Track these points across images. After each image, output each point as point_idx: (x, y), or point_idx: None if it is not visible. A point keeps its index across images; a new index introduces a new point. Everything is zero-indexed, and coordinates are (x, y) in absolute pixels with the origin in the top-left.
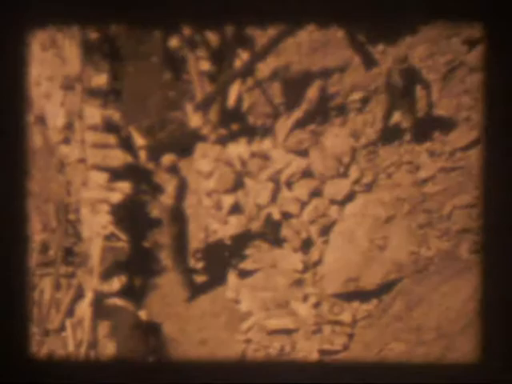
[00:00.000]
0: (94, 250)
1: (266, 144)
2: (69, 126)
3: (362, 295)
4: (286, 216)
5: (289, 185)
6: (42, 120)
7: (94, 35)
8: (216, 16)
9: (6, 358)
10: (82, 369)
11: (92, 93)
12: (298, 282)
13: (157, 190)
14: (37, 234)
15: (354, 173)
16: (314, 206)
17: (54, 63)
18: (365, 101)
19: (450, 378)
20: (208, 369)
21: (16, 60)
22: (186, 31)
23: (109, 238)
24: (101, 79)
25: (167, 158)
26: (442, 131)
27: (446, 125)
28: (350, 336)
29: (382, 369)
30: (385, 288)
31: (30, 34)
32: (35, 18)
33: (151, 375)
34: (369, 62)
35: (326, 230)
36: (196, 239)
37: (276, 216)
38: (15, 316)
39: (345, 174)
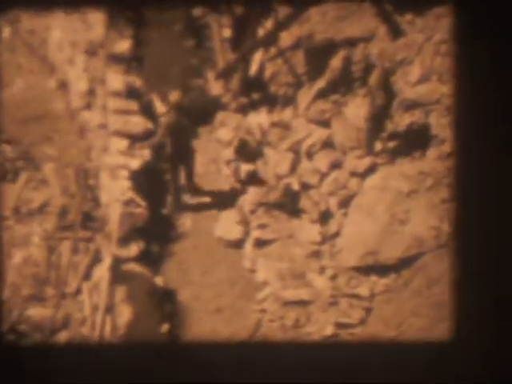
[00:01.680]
0: (113, 215)
1: (286, 114)
2: (91, 92)
3: (381, 269)
4: (306, 187)
5: (309, 155)
6: (64, 85)
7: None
8: None
9: None
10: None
11: (115, 59)
12: (315, 254)
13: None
14: (56, 198)
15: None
16: (333, 178)
17: (77, 28)
18: (390, 71)
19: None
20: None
21: None
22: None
23: (127, 203)
24: (124, 45)
25: (174, 95)
26: None
27: None
28: (368, 310)
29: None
30: (404, 263)
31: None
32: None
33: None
34: (395, 32)
35: (345, 203)
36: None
37: (295, 187)
38: None
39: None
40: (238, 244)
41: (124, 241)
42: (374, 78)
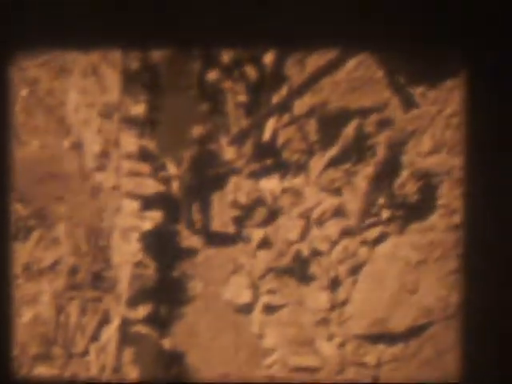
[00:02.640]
0: (123, 276)
1: (298, 180)
2: (105, 154)
3: (389, 338)
4: (316, 254)
5: (320, 223)
6: (78, 146)
7: (134, 65)
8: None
9: None
10: None
11: (129, 122)
12: (324, 321)
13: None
14: (66, 258)
15: (386, 214)
16: (343, 246)
17: (93, 91)
18: (402, 142)
19: None
20: None
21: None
22: (225, 63)
23: (137, 265)
24: (139, 109)
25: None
26: None
27: None
28: (375, 379)
29: None
30: (413, 332)
31: (13, 58)
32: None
33: None
34: (408, 104)
35: (354, 271)
36: (224, 270)
37: (305, 253)
38: None
39: (377, 215)
40: (246, 309)
41: (133, 302)
42: (382, 148)
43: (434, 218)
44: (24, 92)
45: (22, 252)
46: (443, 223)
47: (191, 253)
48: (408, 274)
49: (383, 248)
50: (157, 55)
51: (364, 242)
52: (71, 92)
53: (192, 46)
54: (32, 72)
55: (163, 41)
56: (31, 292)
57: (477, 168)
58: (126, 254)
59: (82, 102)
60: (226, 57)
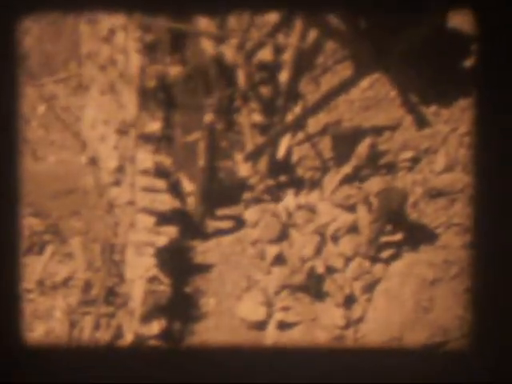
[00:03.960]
0: (136, 291)
1: (313, 197)
2: (120, 169)
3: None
4: (330, 270)
5: (334, 239)
6: (94, 161)
7: (151, 82)
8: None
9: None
10: (77, 355)
11: (145, 138)
12: (339, 338)
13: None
14: (80, 273)
15: (400, 232)
16: (358, 263)
17: (110, 108)
18: (415, 160)
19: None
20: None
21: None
22: (241, 84)
23: (151, 280)
24: (155, 126)
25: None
26: None
27: None
28: None
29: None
30: (428, 350)
31: (19, 22)
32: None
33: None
34: (421, 123)
35: (369, 288)
36: (238, 286)
37: (320, 270)
38: (6, 299)
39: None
40: (260, 326)
41: (146, 318)
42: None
43: (449, 236)
44: (41, 108)
45: (36, 266)
46: (458, 241)
47: (205, 268)
48: (423, 292)
49: (398, 265)
50: (173, 72)
51: (379, 260)
52: (88, 108)
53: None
54: (49, 88)
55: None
56: (44, 307)
57: (487, 185)
58: (140, 270)
59: (98, 118)
60: (242, 75)
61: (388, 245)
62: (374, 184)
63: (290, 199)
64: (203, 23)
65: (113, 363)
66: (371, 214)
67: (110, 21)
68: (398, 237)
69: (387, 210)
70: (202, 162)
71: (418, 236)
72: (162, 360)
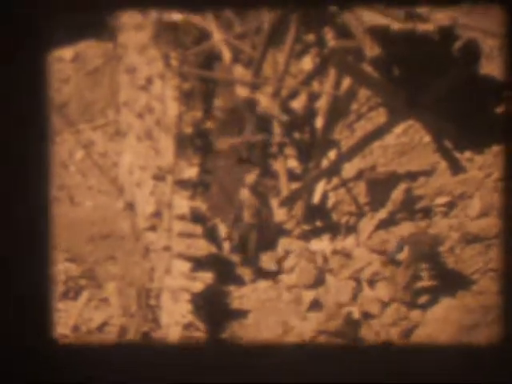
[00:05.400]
0: (172, 337)
1: (348, 242)
2: (157, 214)
3: None
4: (366, 316)
5: (370, 284)
6: (131, 207)
7: (188, 130)
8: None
9: (30, 341)
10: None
11: (182, 184)
12: None
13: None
14: (116, 318)
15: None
16: (395, 308)
17: (147, 154)
18: (450, 205)
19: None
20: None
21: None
22: (276, 131)
23: (187, 326)
24: (191, 172)
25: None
26: None
27: None
28: None
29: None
30: None
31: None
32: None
33: None
34: (456, 168)
35: (407, 334)
36: (274, 332)
37: (356, 315)
38: (39, 299)
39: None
40: None
41: None
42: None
43: (486, 282)
44: (79, 154)
45: (72, 312)
46: (494, 286)
47: (241, 314)
48: (461, 338)
49: (435, 311)
50: (209, 119)
51: (415, 305)
52: (125, 154)
53: None
54: (87, 135)
55: None
56: None
57: None
58: (176, 315)
59: (135, 164)
60: (277, 122)
61: (424, 290)
62: (408, 229)
63: (325, 244)
64: (238, 71)
65: None
66: (405, 259)
67: (148, 69)
68: (435, 282)
69: (420, 254)
70: (239, 208)
71: (455, 281)
72: None
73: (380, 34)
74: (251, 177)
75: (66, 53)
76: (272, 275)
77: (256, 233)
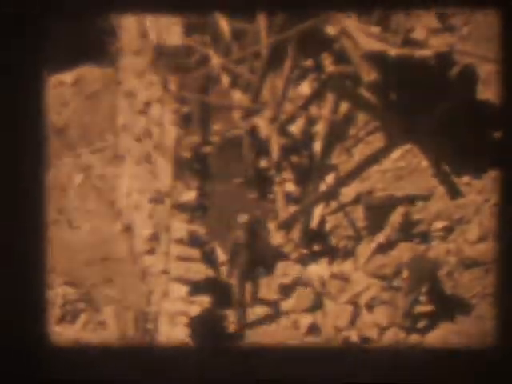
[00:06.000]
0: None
1: (346, 266)
2: (155, 238)
3: None
4: (365, 340)
5: (369, 309)
6: (129, 230)
7: (186, 154)
8: None
9: (26, 345)
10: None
11: (180, 207)
12: None
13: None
14: (114, 341)
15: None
16: (393, 333)
17: (146, 178)
18: (448, 230)
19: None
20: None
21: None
22: (274, 155)
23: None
24: (189, 195)
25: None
26: None
27: None
28: None
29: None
30: None
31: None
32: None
33: None
34: (454, 193)
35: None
36: None
37: (354, 339)
38: (32, 304)
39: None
40: None
41: None
42: None
43: (484, 307)
44: (78, 178)
45: (69, 335)
46: (493, 311)
47: (238, 338)
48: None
49: (433, 337)
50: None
51: (414, 330)
52: (124, 178)
53: None
54: (86, 158)
55: None
56: None
57: None
58: (173, 339)
59: (133, 187)
60: (275, 146)
61: (423, 315)
62: (407, 253)
63: (323, 268)
64: (237, 96)
65: None
66: (403, 283)
67: (147, 94)
68: (433, 307)
69: (419, 279)
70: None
71: (453, 306)
72: None
73: (377, 60)
74: (244, 217)
75: (67, 77)
76: (271, 302)
77: (250, 255)
